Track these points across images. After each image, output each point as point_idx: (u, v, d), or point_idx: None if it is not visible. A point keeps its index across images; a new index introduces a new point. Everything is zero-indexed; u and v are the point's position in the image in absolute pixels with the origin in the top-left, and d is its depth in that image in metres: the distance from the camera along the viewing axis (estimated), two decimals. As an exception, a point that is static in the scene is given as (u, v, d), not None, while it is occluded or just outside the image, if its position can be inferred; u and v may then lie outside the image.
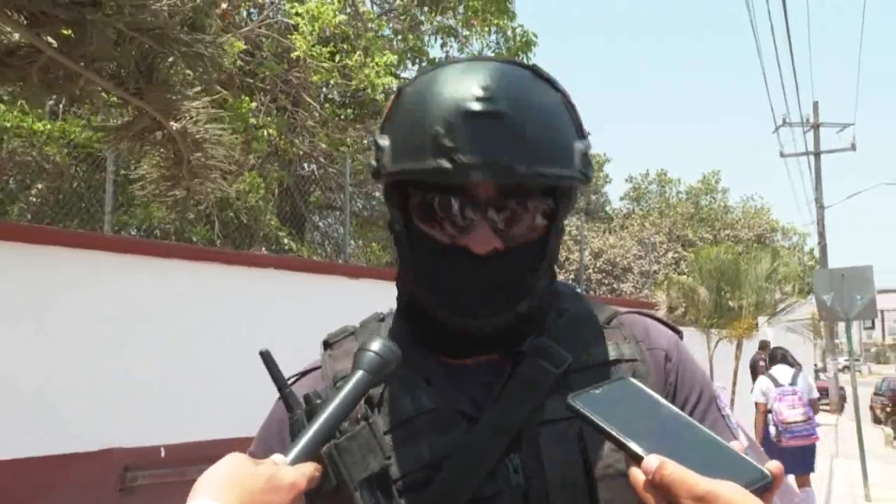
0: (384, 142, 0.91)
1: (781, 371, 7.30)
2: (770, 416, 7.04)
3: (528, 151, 0.84)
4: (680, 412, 0.75)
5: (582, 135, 0.92)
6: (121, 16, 3.25)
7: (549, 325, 0.96)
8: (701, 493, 0.64)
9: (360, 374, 0.81)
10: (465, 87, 0.86)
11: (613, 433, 0.71)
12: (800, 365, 7.54)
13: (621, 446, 0.70)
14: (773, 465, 0.68)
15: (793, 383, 7.12)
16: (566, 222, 0.98)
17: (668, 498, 0.65)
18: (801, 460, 6.88)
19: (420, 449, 0.88)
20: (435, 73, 0.91)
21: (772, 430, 7.00)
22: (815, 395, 7.46)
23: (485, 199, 0.87)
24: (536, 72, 0.93)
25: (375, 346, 0.82)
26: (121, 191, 6.99)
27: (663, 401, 0.76)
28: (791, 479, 6.63)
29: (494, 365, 0.93)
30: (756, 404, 7.29)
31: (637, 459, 0.68)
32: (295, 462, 0.73)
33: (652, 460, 0.67)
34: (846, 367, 27.55)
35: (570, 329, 0.96)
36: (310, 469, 0.73)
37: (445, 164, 0.83)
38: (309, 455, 0.74)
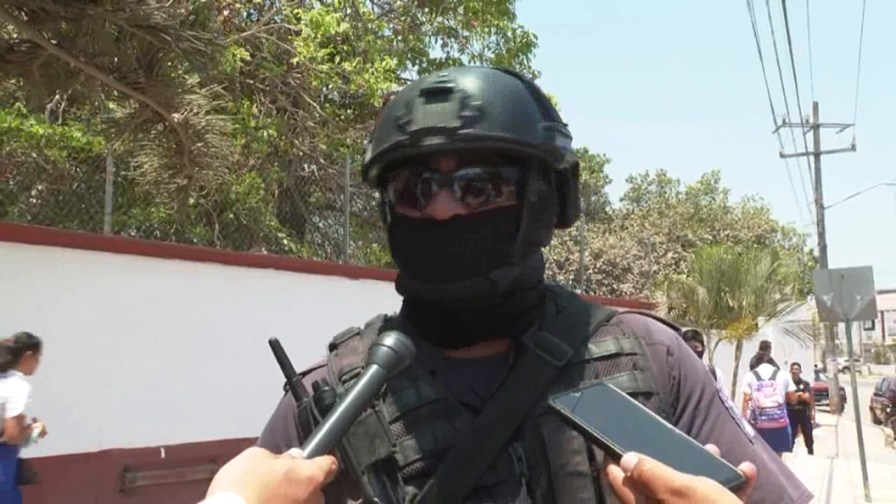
0: (367, 145, 0.98)
1: (764, 368, 9.78)
2: (750, 402, 9.51)
3: (477, 118, 0.90)
4: (655, 416, 0.77)
5: (551, 119, 0.96)
6: (121, 12, 3.25)
7: (549, 320, 0.98)
8: (678, 488, 0.66)
9: (374, 368, 0.81)
10: (428, 80, 0.95)
11: (592, 432, 0.73)
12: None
13: (600, 445, 0.73)
14: (746, 466, 0.70)
15: (772, 378, 9.55)
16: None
17: (646, 493, 0.67)
18: (773, 440, 8.53)
19: (424, 438, 0.90)
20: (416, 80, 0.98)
21: (748, 413, 9.33)
22: (792, 387, 10.26)
23: (445, 171, 0.92)
24: (506, 70, 0.99)
25: (389, 340, 0.83)
26: (120, 192, 6.98)
27: (639, 405, 0.78)
28: None
29: (498, 358, 0.96)
30: (743, 394, 9.74)
31: (615, 457, 0.70)
32: (312, 456, 0.73)
33: (630, 457, 0.69)
34: (846, 368, 27.55)
35: (570, 324, 0.98)
36: (327, 462, 0.74)
37: (401, 136, 0.91)
38: (325, 449, 0.75)
